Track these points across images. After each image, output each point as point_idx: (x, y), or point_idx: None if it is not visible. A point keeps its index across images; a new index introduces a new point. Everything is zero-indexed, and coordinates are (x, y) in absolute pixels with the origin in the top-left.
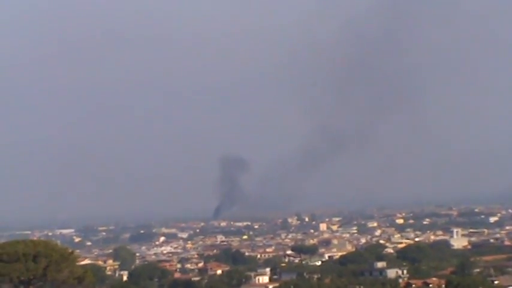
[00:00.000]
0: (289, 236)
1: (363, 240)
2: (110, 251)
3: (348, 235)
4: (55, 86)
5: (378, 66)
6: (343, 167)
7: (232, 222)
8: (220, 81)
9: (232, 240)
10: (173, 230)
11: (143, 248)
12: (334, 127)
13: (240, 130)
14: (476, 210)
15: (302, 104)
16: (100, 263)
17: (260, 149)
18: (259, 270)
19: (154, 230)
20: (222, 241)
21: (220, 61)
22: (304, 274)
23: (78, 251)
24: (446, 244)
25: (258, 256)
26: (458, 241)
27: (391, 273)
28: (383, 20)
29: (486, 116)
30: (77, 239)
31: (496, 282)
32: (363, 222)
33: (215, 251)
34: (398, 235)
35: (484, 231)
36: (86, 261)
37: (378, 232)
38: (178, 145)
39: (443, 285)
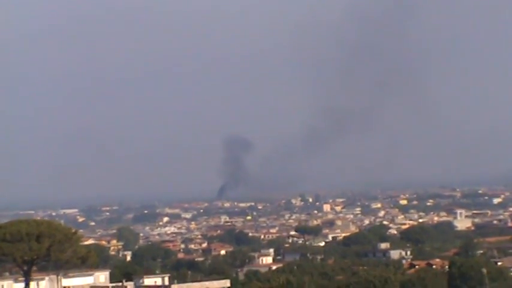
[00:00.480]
0: (293, 217)
1: (367, 221)
2: (114, 231)
3: (351, 216)
4: (61, 63)
5: (382, 47)
6: (347, 147)
7: (236, 203)
8: (225, 62)
9: (236, 221)
10: (177, 211)
11: (147, 228)
12: (339, 108)
13: (245, 111)
14: (479, 191)
15: (307, 84)
16: (104, 243)
17: (265, 129)
18: (262, 251)
19: (157, 211)
20: (226, 222)
21: (226, 42)
22: (308, 255)
23: (81, 231)
24: (449, 225)
25: (262, 237)
26: (462, 222)
27: (395, 254)
28: (388, 1)
29: (490, 98)
30: (80, 219)
31: (499, 263)
32: (366, 203)
33: (219, 231)
34: (402, 216)
35: (487, 213)
36: (90, 241)
37: (381, 213)
38: (183, 126)
39: (447, 266)
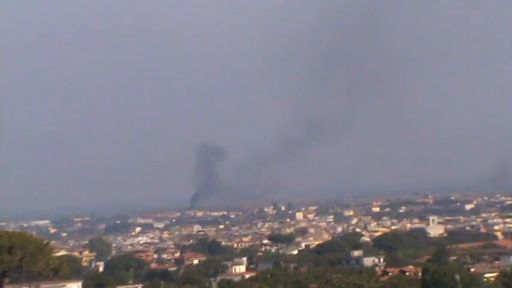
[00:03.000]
0: (266, 225)
1: (340, 229)
2: (86, 242)
3: (324, 224)
4: (31, 75)
5: (355, 55)
6: (320, 155)
7: (208, 212)
8: (197, 70)
9: (208, 230)
10: (149, 220)
11: (119, 238)
12: (311, 116)
13: (218, 119)
14: (452, 197)
15: (280, 93)
16: (76, 254)
17: (238, 138)
18: (235, 260)
19: (130, 221)
20: (199, 231)
21: (198, 50)
22: (281, 263)
23: (53, 242)
24: (422, 232)
25: (235, 245)
26: (435, 229)
27: (368, 261)
28: (360, 9)
29: (462, 104)
30: (52, 230)
31: (472, 269)
32: (339, 210)
33: (191, 241)
34: (375, 223)
35: (460, 219)
36: (62, 253)
37: (354, 221)
38: (155, 134)
39: (420, 273)
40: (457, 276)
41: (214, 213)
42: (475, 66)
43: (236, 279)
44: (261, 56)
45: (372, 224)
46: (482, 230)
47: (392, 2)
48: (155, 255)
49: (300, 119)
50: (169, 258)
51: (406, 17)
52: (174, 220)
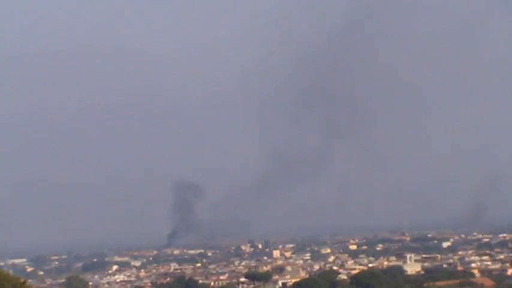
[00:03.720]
0: (243, 263)
1: (317, 267)
2: (63, 280)
3: (301, 262)
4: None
5: (331, 92)
6: (297, 193)
7: (185, 250)
8: (172, 105)
9: (185, 268)
10: (126, 259)
11: (96, 277)
12: (288, 153)
13: (194, 156)
14: (429, 235)
15: (256, 130)
16: None
17: (214, 175)
18: None
19: (107, 259)
20: (176, 269)
21: (172, 83)
22: None
23: (30, 280)
24: (399, 270)
25: (212, 284)
26: (412, 266)
27: None
28: (337, 46)
29: (439, 142)
30: (29, 269)
31: None
32: (316, 248)
33: (168, 279)
34: (352, 261)
35: (437, 257)
36: None
37: (331, 258)
38: (130, 171)
39: None
40: None
41: (191, 251)
42: (452, 104)
43: None
44: (239, 92)
45: (349, 262)
46: (459, 268)
47: (370, 41)
48: None
49: (278, 156)
50: None
51: (382, 54)
52: (151, 258)
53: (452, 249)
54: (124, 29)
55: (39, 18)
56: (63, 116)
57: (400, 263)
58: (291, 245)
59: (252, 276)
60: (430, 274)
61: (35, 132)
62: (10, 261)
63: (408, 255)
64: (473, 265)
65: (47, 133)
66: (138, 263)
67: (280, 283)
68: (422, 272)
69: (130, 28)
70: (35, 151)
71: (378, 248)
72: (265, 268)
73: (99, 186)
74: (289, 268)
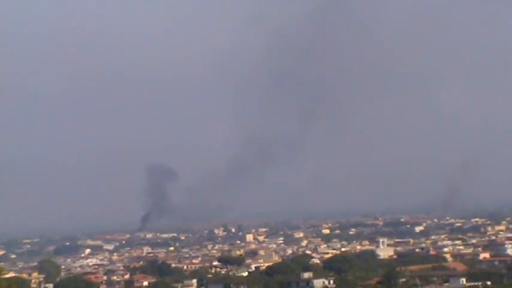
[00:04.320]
0: (216, 247)
1: (290, 251)
2: (35, 263)
3: (274, 246)
4: None
5: (306, 76)
6: (270, 177)
7: (158, 234)
8: (147, 88)
9: (158, 252)
10: (99, 242)
11: (68, 260)
12: (263, 137)
13: (168, 139)
14: (401, 219)
15: (231, 114)
16: (25, 276)
17: (188, 159)
18: (185, 282)
19: (79, 242)
20: (148, 253)
21: (146, 66)
22: (231, 285)
23: (2, 264)
24: (372, 254)
25: (185, 267)
26: (384, 251)
27: (318, 283)
28: (311, 30)
29: (413, 126)
30: (1, 252)
31: None
32: (289, 232)
33: (141, 262)
34: (325, 245)
35: (409, 241)
36: (11, 274)
37: (304, 243)
38: (104, 155)
39: None
40: None
41: (164, 235)
42: (425, 88)
43: None
44: (214, 76)
45: (321, 246)
46: (432, 252)
47: (343, 25)
48: (104, 277)
49: (252, 140)
50: (118, 280)
51: (357, 37)
52: (123, 242)
53: (424, 234)
54: (97, 12)
55: (16, 2)
56: (36, 100)
57: (372, 247)
58: (264, 229)
59: (225, 260)
60: (403, 258)
61: (6, 116)
62: None
63: (381, 240)
64: (445, 249)
65: (18, 116)
66: (110, 247)
67: (253, 267)
68: (394, 257)
69: (103, 10)
70: (5, 134)
71: (350, 233)
72: (238, 252)
73: (72, 170)
74: (262, 252)
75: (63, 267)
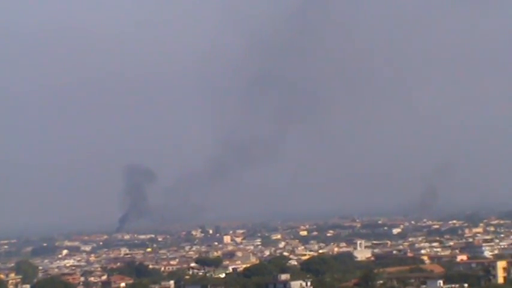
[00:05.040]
0: (193, 249)
1: (267, 253)
2: (12, 264)
3: (252, 247)
4: None
5: (285, 76)
6: (248, 179)
7: (136, 235)
8: (125, 88)
9: (136, 253)
10: (76, 243)
11: (46, 261)
12: (241, 138)
13: (146, 140)
14: (379, 221)
15: (209, 114)
16: (2, 276)
17: (166, 160)
18: (163, 283)
19: (57, 243)
20: (126, 254)
21: (125, 66)
22: (208, 286)
23: None
24: (349, 256)
25: (162, 269)
26: (362, 253)
27: (295, 285)
28: (289, 31)
29: (390, 128)
30: None
31: None
32: (266, 234)
33: (119, 264)
34: (302, 247)
35: (387, 243)
36: None
37: (281, 244)
38: (81, 155)
39: None
40: None
41: (142, 236)
42: (404, 89)
43: None
44: (192, 77)
45: (299, 248)
46: (409, 254)
47: (322, 26)
48: (82, 278)
49: (230, 142)
50: (96, 281)
51: (337, 36)
52: (101, 243)
53: (402, 236)
54: (79, 10)
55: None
56: (11, 99)
57: (350, 249)
58: (241, 231)
59: (203, 262)
60: (380, 260)
61: None
62: None
63: (358, 242)
64: (423, 251)
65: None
66: (88, 248)
67: (230, 268)
68: (372, 258)
69: (85, 10)
70: None
71: (328, 234)
72: (215, 253)
73: (50, 170)
74: (239, 254)
75: (40, 268)
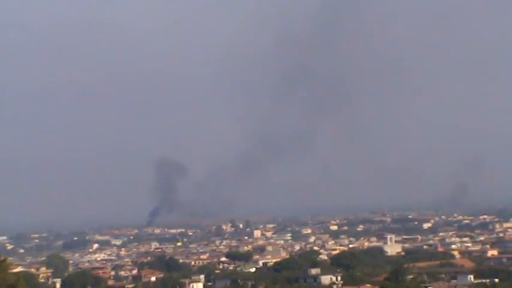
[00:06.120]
0: (224, 243)
1: (297, 247)
2: (43, 258)
3: (282, 242)
4: None
5: (316, 71)
6: (279, 173)
7: (166, 229)
8: (157, 84)
9: (166, 247)
10: (107, 237)
11: (76, 255)
12: (272, 133)
13: (177, 135)
14: (409, 216)
15: (240, 109)
16: (33, 270)
17: (197, 154)
18: (193, 277)
19: (87, 237)
20: (156, 248)
21: (156, 61)
22: (239, 281)
23: (10, 258)
24: (380, 250)
25: (192, 263)
26: (392, 247)
27: (325, 279)
28: (319, 26)
29: (422, 123)
30: (9, 247)
31: None
32: (297, 228)
33: (149, 258)
34: (333, 242)
35: (417, 238)
36: (19, 269)
37: (312, 239)
38: (113, 150)
39: None
40: None
41: (172, 231)
42: (436, 86)
43: None
44: (223, 72)
45: (329, 242)
46: (440, 249)
47: (352, 21)
48: (112, 272)
49: (260, 136)
50: (126, 275)
51: (368, 31)
52: (131, 237)
53: (432, 231)
54: (108, 7)
55: None
56: (41, 95)
57: (380, 243)
58: (272, 225)
59: (233, 256)
60: (411, 255)
61: (15, 110)
62: None
63: (389, 236)
64: (453, 246)
65: (27, 110)
66: (118, 242)
67: (260, 263)
68: (402, 253)
69: (114, 6)
70: (14, 129)
71: (358, 229)
72: (246, 248)
73: (81, 164)
74: (270, 248)
75: (71, 262)
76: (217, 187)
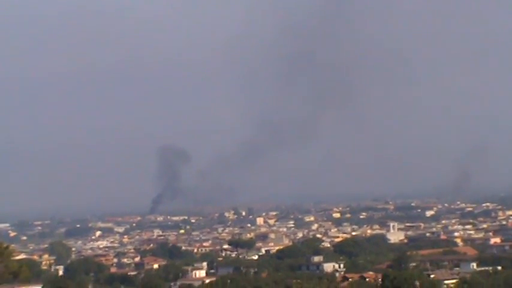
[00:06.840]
0: (226, 230)
1: (300, 235)
2: (46, 245)
3: (285, 229)
4: None
5: (319, 58)
6: (282, 160)
7: (169, 217)
8: (161, 72)
9: (169, 235)
10: (109, 225)
11: (79, 242)
12: (275, 120)
13: (180, 122)
14: (412, 204)
15: (243, 97)
16: (35, 257)
17: (200, 141)
18: (196, 265)
19: (90, 225)
20: (159, 235)
21: (159, 49)
22: (241, 268)
23: (13, 245)
24: (382, 238)
25: (195, 250)
26: (395, 235)
27: (328, 267)
28: (324, 14)
29: (424, 111)
30: (12, 234)
31: (432, 276)
32: (299, 216)
33: (152, 245)
34: (335, 229)
35: (420, 225)
36: (22, 256)
37: (314, 226)
38: (115, 137)
39: (380, 279)
40: (417, 283)
41: (175, 218)
42: (439, 75)
43: (196, 284)
44: (226, 59)
45: (332, 230)
46: (443, 237)
47: (356, 7)
48: (115, 260)
49: (263, 124)
50: (129, 262)
51: (373, 20)
52: (134, 224)
53: (435, 218)
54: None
55: None
56: (45, 82)
57: (383, 231)
58: (274, 213)
59: (236, 243)
60: (413, 243)
61: (16, 98)
62: None
63: (391, 224)
64: (456, 234)
65: (29, 97)
66: (121, 229)
67: (263, 250)
68: (405, 241)
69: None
70: (17, 117)
71: (361, 217)
72: (248, 235)
73: (83, 151)
74: (272, 235)
75: (73, 249)
76: (220, 174)
